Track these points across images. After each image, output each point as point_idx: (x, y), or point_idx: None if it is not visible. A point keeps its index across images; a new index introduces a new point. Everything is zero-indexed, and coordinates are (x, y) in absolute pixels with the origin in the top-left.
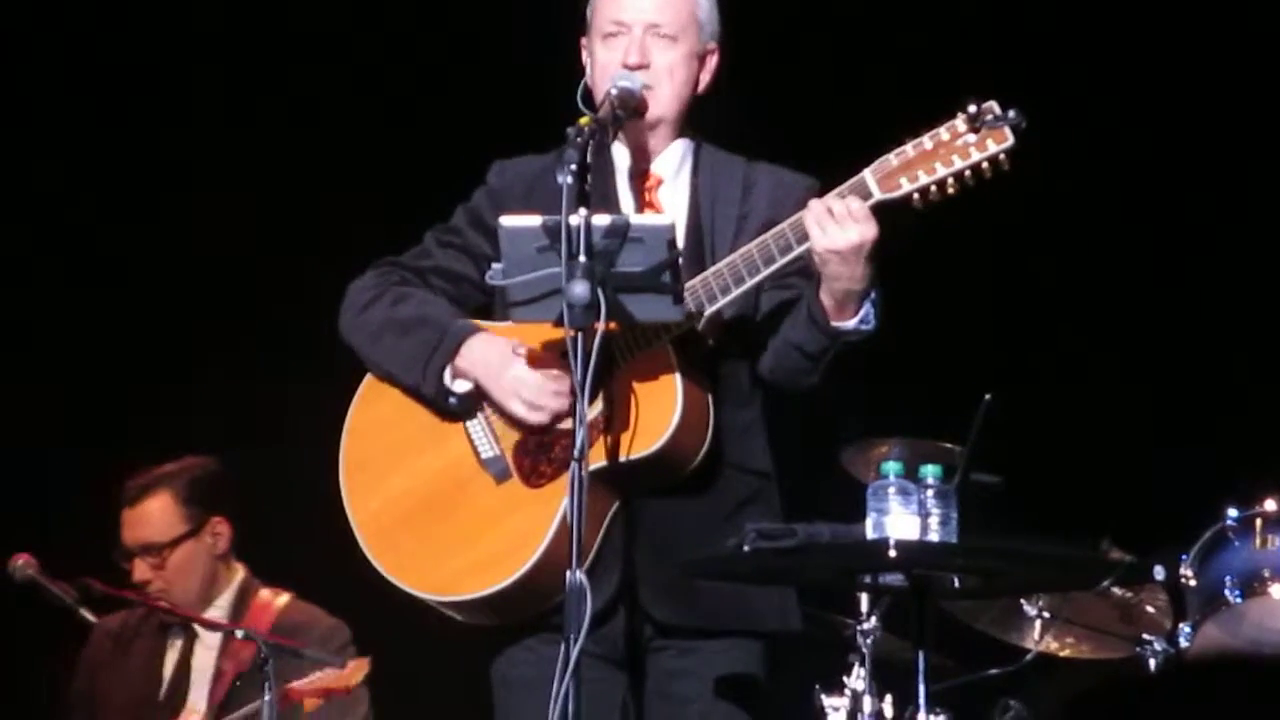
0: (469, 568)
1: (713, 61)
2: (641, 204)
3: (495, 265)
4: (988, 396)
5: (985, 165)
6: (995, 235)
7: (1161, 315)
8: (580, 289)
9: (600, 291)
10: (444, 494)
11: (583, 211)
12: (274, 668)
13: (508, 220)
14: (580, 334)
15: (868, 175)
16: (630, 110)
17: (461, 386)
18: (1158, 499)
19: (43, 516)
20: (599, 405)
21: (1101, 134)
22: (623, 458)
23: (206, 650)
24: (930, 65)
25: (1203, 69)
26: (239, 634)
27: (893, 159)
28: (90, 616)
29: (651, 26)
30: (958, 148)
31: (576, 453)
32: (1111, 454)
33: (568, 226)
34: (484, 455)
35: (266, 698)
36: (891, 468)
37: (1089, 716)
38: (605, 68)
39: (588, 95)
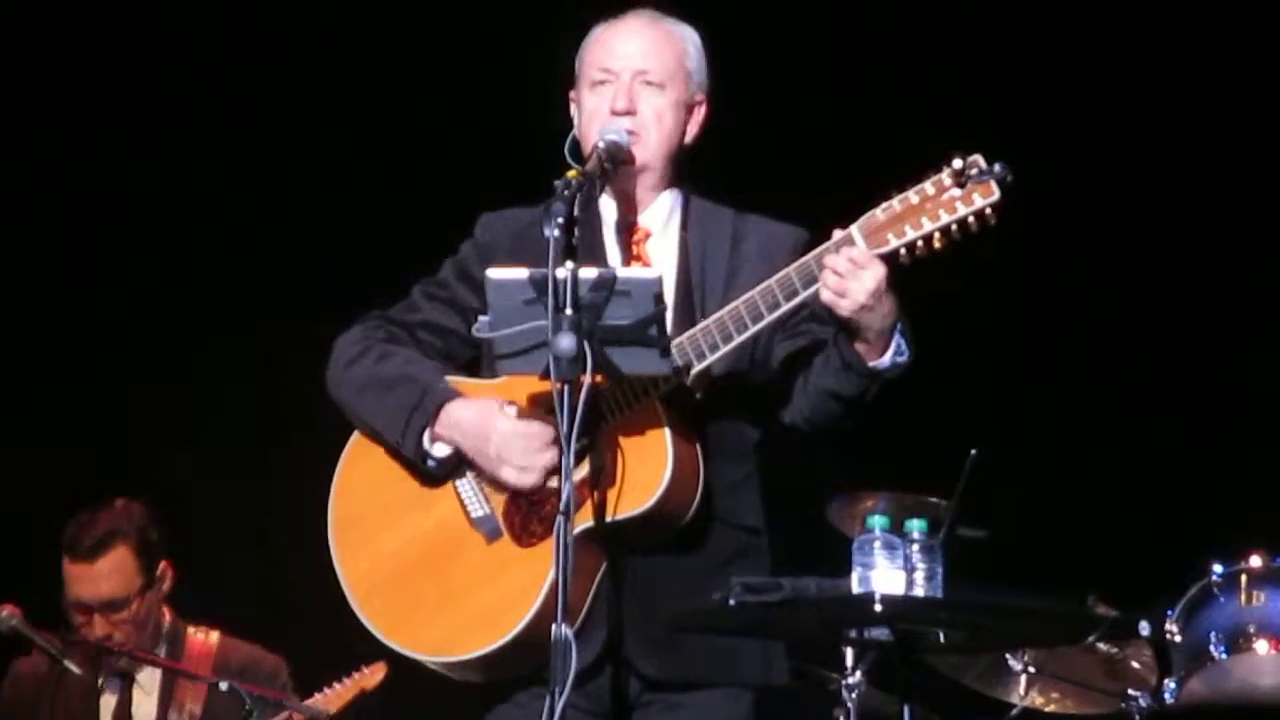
0: (461, 627)
1: (701, 112)
2: (629, 257)
3: (482, 318)
4: (974, 451)
5: (971, 220)
6: (980, 290)
7: (1147, 373)
8: (567, 342)
9: (587, 344)
10: (435, 553)
11: (570, 264)
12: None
13: (495, 272)
14: (567, 387)
15: (855, 231)
16: (618, 163)
17: (441, 450)
18: (1143, 555)
19: (26, 566)
20: (588, 463)
21: (1079, 192)
22: (612, 516)
23: (146, 696)
24: (924, 98)
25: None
26: (222, 687)
27: (879, 214)
28: (75, 667)
29: (639, 73)
30: (944, 202)
31: (562, 507)
32: (1097, 509)
33: (554, 279)
34: (474, 514)
35: None
36: (877, 522)
37: None
38: (593, 115)
39: (575, 147)
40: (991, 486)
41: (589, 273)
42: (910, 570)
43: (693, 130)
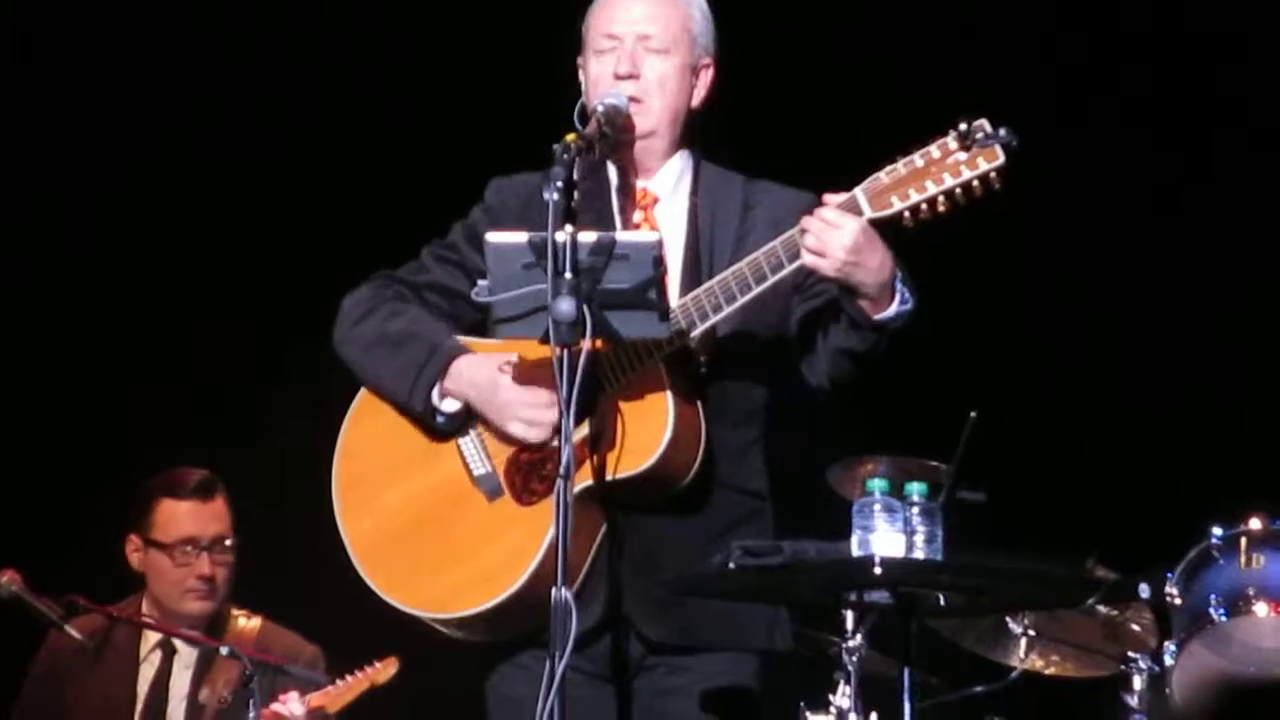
0: (461, 585)
1: (707, 76)
2: (630, 222)
3: (482, 282)
4: (973, 414)
5: (976, 183)
6: (979, 252)
7: (1147, 332)
8: (566, 306)
9: (586, 308)
10: (436, 511)
11: (569, 228)
12: (260, 686)
13: (494, 237)
14: (566, 350)
15: (859, 193)
16: (617, 127)
17: (450, 405)
18: (1143, 517)
19: (26, 531)
20: (589, 423)
21: (1086, 146)
22: (612, 476)
23: (184, 669)
24: (927, 73)
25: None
26: (223, 651)
27: (884, 176)
28: (75, 633)
29: (642, 38)
30: (949, 165)
31: (562, 470)
32: (1097, 472)
33: (553, 243)
34: (476, 472)
35: (251, 715)
36: (877, 485)
37: None
38: (597, 81)
39: (584, 114)
40: (991, 449)
41: (588, 237)
42: (910, 533)
43: (700, 94)
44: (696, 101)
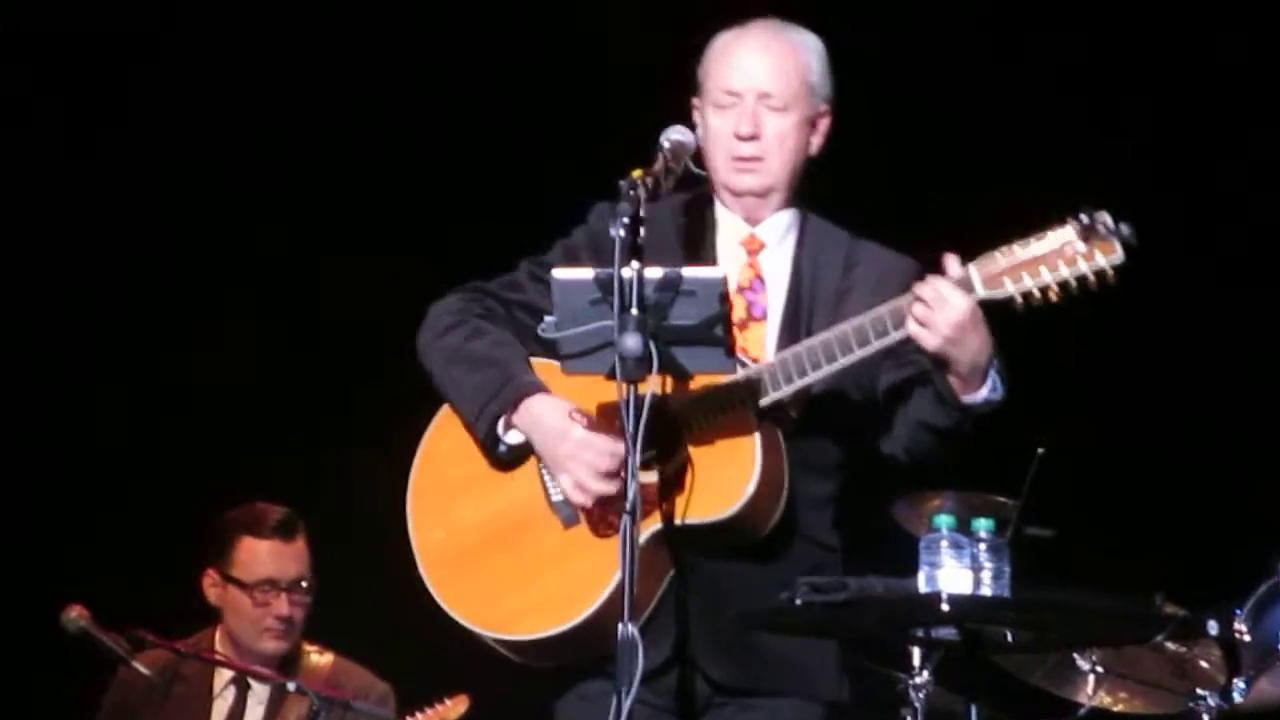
0: (527, 608)
1: (824, 123)
2: (740, 266)
3: (548, 318)
4: (1040, 450)
5: (1091, 277)
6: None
7: (1215, 368)
8: (633, 341)
9: (653, 344)
10: (510, 531)
11: (635, 264)
12: None
13: (560, 272)
14: (632, 386)
15: (973, 270)
16: (681, 162)
17: (514, 438)
18: (1211, 553)
19: (92, 567)
20: (672, 464)
21: (1169, 196)
22: (691, 520)
23: (257, 704)
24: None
25: None
26: (290, 688)
27: (999, 257)
28: (143, 669)
29: (763, 96)
30: (1065, 255)
31: (628, 506)
32: (1165, 508)
33: (620, 279)
34: (554, 498)
35: None
36: (944, 521)
37: None
38: (717, 135)
39: (698, 155)
40: (1058, 485)
41: (654, 273)
42: (977, 569)
43: (816, 143)
44: (814, 150)
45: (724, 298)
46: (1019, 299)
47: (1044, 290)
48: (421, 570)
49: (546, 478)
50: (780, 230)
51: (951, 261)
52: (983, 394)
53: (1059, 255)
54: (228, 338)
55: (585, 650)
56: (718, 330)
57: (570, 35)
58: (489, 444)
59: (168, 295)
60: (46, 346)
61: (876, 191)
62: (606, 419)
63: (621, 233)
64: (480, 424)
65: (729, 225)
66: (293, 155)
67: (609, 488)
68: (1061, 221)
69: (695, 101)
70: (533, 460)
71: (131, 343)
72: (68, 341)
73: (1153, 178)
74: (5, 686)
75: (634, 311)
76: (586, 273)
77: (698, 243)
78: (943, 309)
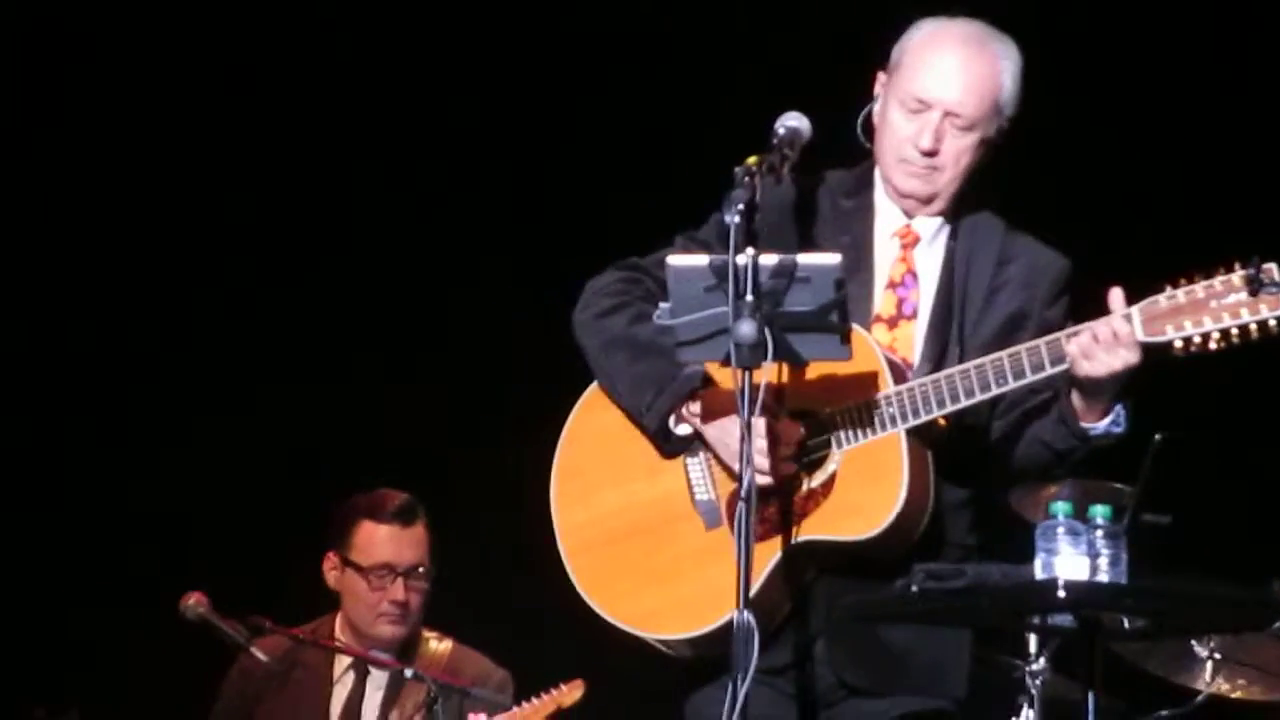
0: (663, 607)
1: (1000, 137)
2: (893, 261)
3: (663, 305)
4: (1158, 436)
5: (1254, 329)
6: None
7: None
8: (747, 328)
9: (767, 330)
10: (653, 525)
11: (750, 251)
12: (443, 708)
13: (675, 260)
14: (747, 373)
15: (1135, 313)
16: (796, 150)
17: (683, 430)
18: None
19: (210, 553)
20: (820, 476)
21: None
22: (835, 537)
23: (375, 690)
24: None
25: None
26: (407, 674)
27: (1162, 301)
28: (261, 655)
29: (951, 115)
30: (1229, 305)
31: (743, 492)
32: None
33: (735, 266)
34: (699, 497)
35: None
36: (1061, 508)
37: None
38: (895, 132)
39: (868, 125)
40: (1176, 471)
41: (769, 259)
42: (1094, 556)
43: (988, 156)
44: (984, 161)
45: (839, 284)
46: (1180, 344)
47: (1205, 338)
48: (561, 551)
49: (693, 475)
50: (936, 225)
51: (1116, 299)
52: (1102, 425)
53: (1222, 304)
54: (367, 323)
55: (722, 649)
56: (832, 317)
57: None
58: (659, 437)
59: (322, 274)
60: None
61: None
62: (777, 420)
63: (736, 219)
64: (650, 415)
65: (886, 214)
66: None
67: (782, 473)
68: (1228, 268)
69: (881, 76)
70: (680, 456)
71: (282, 324)
72: (210, 329)
73: None
74: (125, 675)
75: (749, 298)
76: (701, 260)
77: (853, 228)
78: (1115, 354)
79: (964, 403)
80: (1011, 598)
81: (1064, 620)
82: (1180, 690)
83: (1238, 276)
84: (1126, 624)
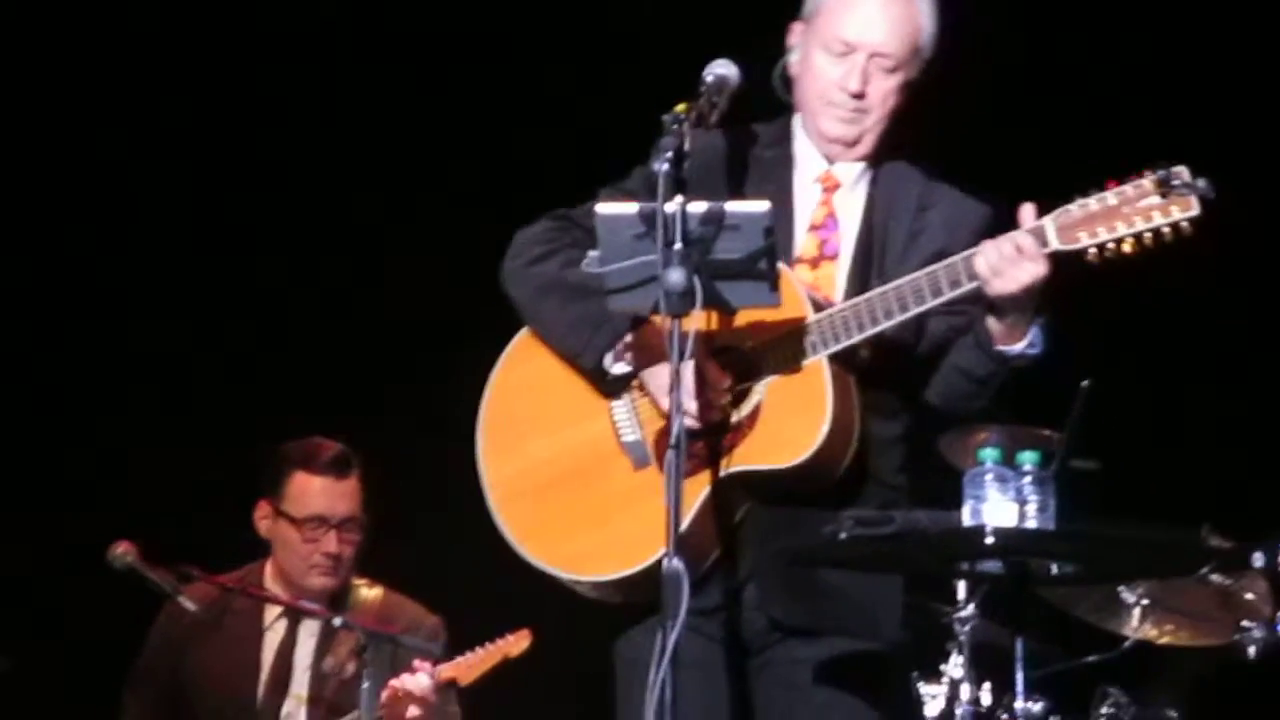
0: (596, 549)
1: (920, 79)
2: (807, 202)
3: (592, 253)
4: (1085, 383)
5: (1167, 231)
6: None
7: (1261, 302)
8: (677, 276)
9: (696, 278)
10: (581, 469)
11: (679, 199)
12: (373, 656)
13: (603, 208)
14: (676, 320)
15: (1048, 223)
16: (725, 97)
17: (620, 369)
18: (1258, 485)
19: (138, 503)
20: (746, 408)
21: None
22: (764, 466)
23: (308, 637)
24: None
25: None
26: (336, 623)
27: (1074, 210)
28: (190, 604)
29: (877, 55)
30: (1141, 208)
31: (673, 440)
32: (1211, 440)
33: (664, 214)
34: (625, 438)
35: (365, 685)
36: (989, 454)
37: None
38: (820, 77)
39: (785, 77)
40: (1104, 417)
41: (698, 207)
42: (1022, 502)
43: (909, 100)
44: (905, 104)
45: (768, 232)
46: (1093, 251)
47: (1118, 243)
48: (491, 504)
49: (619, 418)
50: (857, 170)
51: (1027, 213)
52: (1019, 346)
53: (1134, 208)
54: (293, 268)
55: (653, 592)
56: (762, 265)
57: None
58: (595, 375)
59: (236, 222)
60: (112, 282)
61: (949, 139)
62: (710, 355)
63: (665, 167)
64: (587, 355)
65: (807, 160)
66: None
67: (709, 412)
68: (1138, 175)
69: (797, 27)
70: (604, 400)
71: (200, 267)
72: (133, 272)
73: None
74: (56, 624)
75: (678, 246)
76: (630, 208)
77: (775, 176)
78: (1020, 266)
79: (884, 324)
80: (940, 544)
81: (992, 566)
82: (1108, 635)
83: (1149, 180)
84: (1054, 570)
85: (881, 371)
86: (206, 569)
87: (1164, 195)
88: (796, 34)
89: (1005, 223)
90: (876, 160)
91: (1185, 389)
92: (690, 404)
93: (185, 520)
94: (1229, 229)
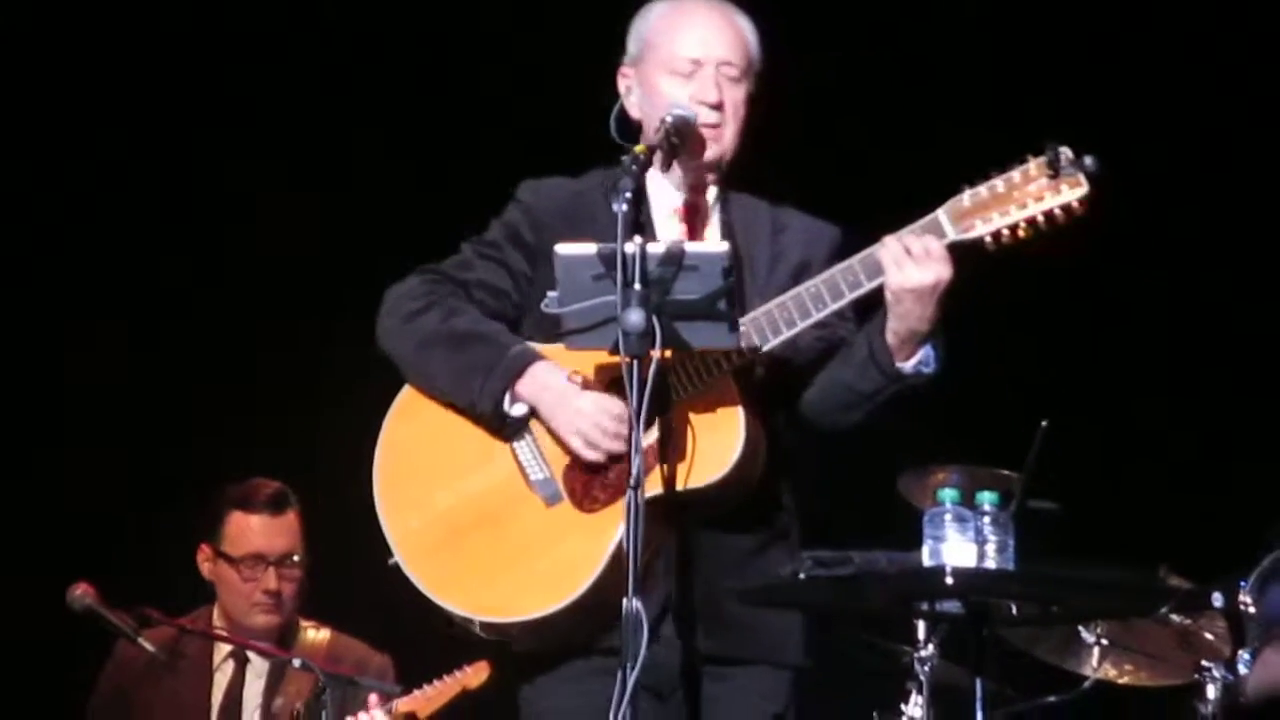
0: (520, 590)
1: (755, 96)
2: (671, 235)
3: (551, 293)
4: (1044, 423)
5: (1059, 212)
6: (1048, 260)
7: (1219, 339)
8: (636, 316)
9: (656, 319)
10: (492, 514)
11: (637, 239)
12: (332, 698)
13: (563, 248)
14: (636, 361)
15: (941, 215)
16: (684, 138)
17: (519, 410)
18: (1216, 526)
19: (100, 545)
20: (656, 433)
21: (1151, 164)
22: (683, 486)
23: (256, 678)
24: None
25: None
26: (295, 664)
27: (965, 199)
28: (148, 645)
29: (724, 64)
30: (1031, 192)
31: (632, 481)
32: (1169, 481)
33: (623, 255)
34: (533, 477)
35: None
36: (948, 495)
37: None
38: (674, 105)
39: (622, 124)
40: (1063, 458)
41: (657, 248)
42: (982, 543)
43: (751, 117)
44: (750, 121)
45: (726, 272)
46: (989, 238)
47: (1013, 228)
48: (400, 562)
49: (523, 458)
50: (710, 198)
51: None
52: (911, 363)
53: (1025, 192)
54: (237, 309)
55: (584, 626)
56: (720, 305)
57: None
58: (494, 420)
59: (162, 271)
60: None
61: (807, 157)
62: (601, 382)
63: (624, 207)
64: (482, 400)
65: (662, 195)
66: None
67: (618, 445)
68: (1023, 159)
69: (627, 71)
70: (505, 445)
71: (142, 309)
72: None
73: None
74: (13, 665)
75: (637, 287)
76: (590, 248)
77: (632, 215)
78: (926, 266)
79: (786, 333)
80: (899, 585)
81: (952, 607)
82: (1068, 676)
83: (1035, 165)
84: (1014, 610)
85: (773, 390)
86: (164, 613)
87: (1053, 176)
88: (628, 78)
89: (854, 244)
90: (724, 189)
91: (1142, 429)
92: (592, 452)
93: (132, 565)
94: (1185, 268)
